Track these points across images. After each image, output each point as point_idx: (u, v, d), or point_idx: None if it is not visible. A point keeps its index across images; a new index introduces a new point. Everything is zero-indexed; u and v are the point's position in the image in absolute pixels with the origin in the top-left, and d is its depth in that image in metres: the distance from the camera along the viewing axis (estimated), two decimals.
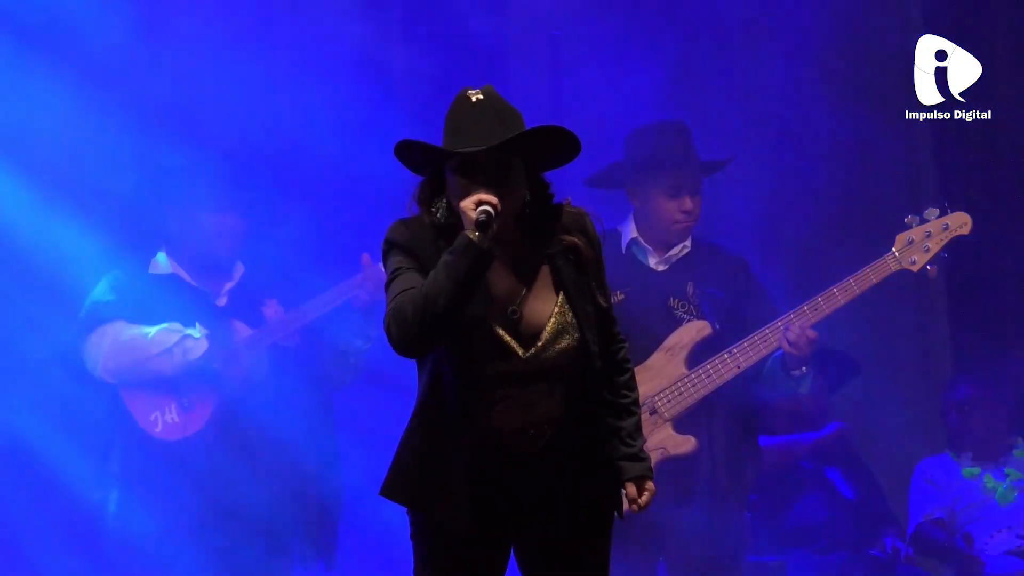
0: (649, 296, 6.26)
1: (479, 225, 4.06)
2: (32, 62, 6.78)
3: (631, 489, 4.31)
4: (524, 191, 4.23)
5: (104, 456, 6.37)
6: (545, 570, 4.30)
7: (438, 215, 4.23)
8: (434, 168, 4.25)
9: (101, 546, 6.37)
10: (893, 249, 6.36)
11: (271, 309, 6.40)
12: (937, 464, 7.53)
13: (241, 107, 6.99)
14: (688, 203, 6.36)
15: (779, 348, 6.28)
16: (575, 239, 4.27)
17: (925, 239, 6.37)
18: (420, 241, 4.22)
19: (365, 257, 6.36)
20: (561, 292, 4.23)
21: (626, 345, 4.42)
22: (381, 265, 6.27)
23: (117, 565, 6.33)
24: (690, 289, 6.35)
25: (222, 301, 6.43)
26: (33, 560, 6.66)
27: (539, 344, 4.20)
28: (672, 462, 6.25)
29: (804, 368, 6.31)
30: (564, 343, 4.22)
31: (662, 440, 6.26)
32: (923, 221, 6.39)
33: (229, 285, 6.46)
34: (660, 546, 6.27)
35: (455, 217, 4.20)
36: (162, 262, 6.41)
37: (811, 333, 6.24)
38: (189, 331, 6.29)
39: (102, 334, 6.27)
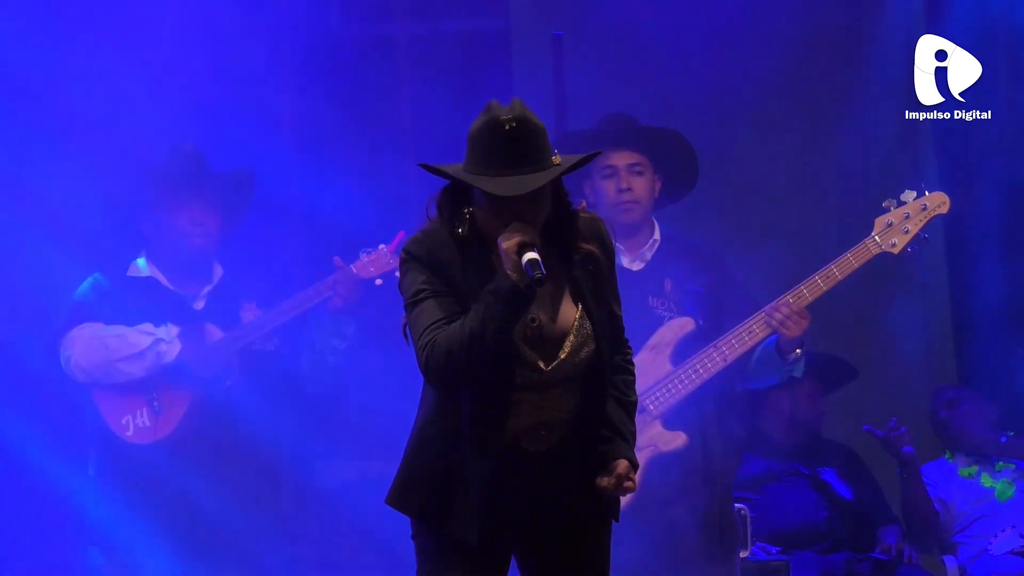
0: (628, 296, 6.12)
1: (536, 281, 4.02)
2: (9, 65, 6.83)
3: (623, 465, 4.23)
4: (549, 205, 4.20)
5: (82, 459, 6.43)
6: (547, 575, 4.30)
7: (461, 230, 4.17)
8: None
9: (76, 547, 6.44)
10: (873, 233, 6.36)
11: (249, 312, 6.42)
12: (934, 468, 7.51)
13: (218, 108, 7.04)
14: (623, 181, 6.39)
15: (765, 338, 6.29)
16: (593, 248, 4.24)
17: (904, 220, 6.36)
18: (443, 257, 4.16)
19: (337, 260, 6.40)
20: (580, 303, 4.21)
21: (631, 352, 4.41)
22: (352, 266, 6.38)
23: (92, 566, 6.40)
24: (668, 286, 6.35)
25: (200, 304, 6.46)
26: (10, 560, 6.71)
27: (561, 356, 4.18)
28: (662, 458, 6.28)
29: (799, 351, 6.31)
30: (584, 354, 4.20)
31: (652, 437, 6.27)
32: (900, 203, 6.38)
33: (208, 288, 6.48)
34: (652, 542, 6.28)
35: (477, 228, 4.16)
36: (141, 265, 6.45)
37: (802, 312, 6.24)
38: (162, 334, 6.33)
39: (78, 332, 6.33)
